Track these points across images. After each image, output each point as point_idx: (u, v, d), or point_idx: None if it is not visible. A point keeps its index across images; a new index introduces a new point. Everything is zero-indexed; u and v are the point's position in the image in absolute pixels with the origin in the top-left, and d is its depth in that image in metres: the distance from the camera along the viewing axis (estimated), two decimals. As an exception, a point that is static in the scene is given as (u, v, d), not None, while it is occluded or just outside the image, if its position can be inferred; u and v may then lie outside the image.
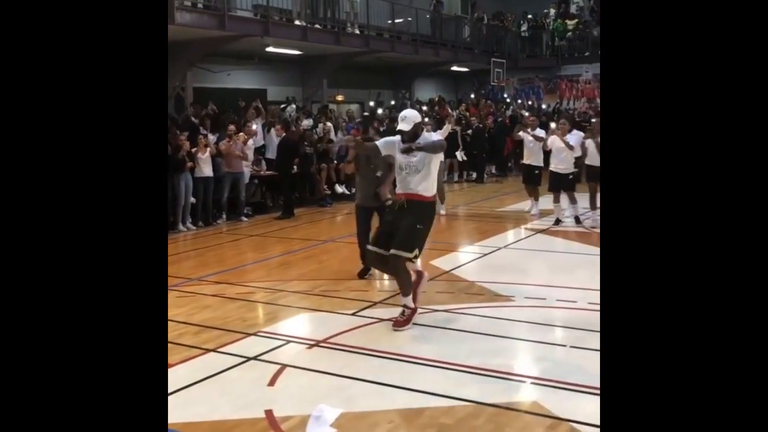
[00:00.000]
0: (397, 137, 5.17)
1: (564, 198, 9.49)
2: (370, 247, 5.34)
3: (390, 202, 5.89)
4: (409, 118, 5.19)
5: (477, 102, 20.02)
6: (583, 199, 9.54)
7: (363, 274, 6.74)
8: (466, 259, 7.90)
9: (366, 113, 15.26)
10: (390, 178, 6.25)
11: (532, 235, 9.11)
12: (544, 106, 21.24)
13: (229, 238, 9.57)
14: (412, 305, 5.15)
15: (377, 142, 5.37)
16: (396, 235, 5.06)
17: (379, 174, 6.39)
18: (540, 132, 10.17)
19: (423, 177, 5.07)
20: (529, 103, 21.50)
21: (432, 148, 5.06)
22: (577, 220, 9.36)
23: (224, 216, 10.74)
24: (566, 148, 9.03)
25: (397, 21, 18.11)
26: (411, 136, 5.10)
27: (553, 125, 10.15)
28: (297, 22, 13.68)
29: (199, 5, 12.14)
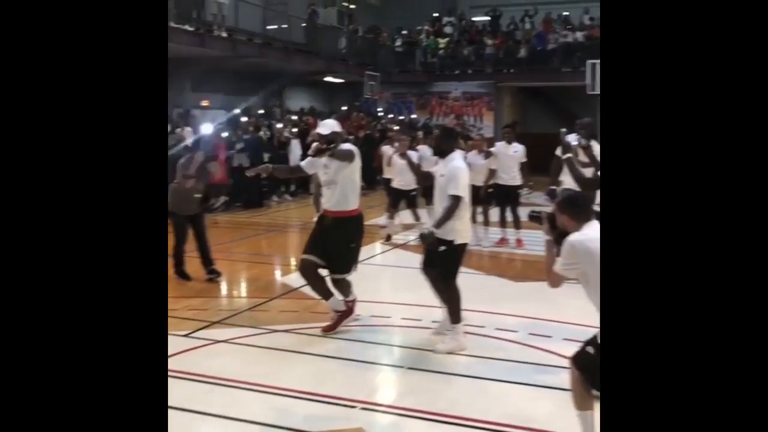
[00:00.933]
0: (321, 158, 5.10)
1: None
2: (306, 256, 5.17)
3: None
4: (328, 124, 5.19)
5: (348, 114, 20.04)
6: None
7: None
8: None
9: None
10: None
11: (389, 249, 9.10)
12: (414, 117, 21.64)
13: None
14: (341, 307, 5.25)
15: (301, 163, 5.45)
16: (331, 258, 5.10)
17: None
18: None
19: (342, 190, 5.01)
20: (401, 117, 21.82)
21: (340, 155, 4.96)
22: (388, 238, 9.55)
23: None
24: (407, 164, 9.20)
25: (269, 27, 17.78)
26: (327, 142, 5.01)
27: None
28: (157, 22, 13.05)
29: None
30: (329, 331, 5.18)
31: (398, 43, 23.47)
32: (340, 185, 4.98)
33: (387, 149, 10.31)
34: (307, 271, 5.16)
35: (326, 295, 5.21)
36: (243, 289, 7.29)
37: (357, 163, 5.05)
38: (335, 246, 5.07)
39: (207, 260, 6.95)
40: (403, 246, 9.29)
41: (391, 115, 21.84)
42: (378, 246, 9.26)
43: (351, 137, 15.89)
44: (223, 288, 7.00)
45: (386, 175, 10.49)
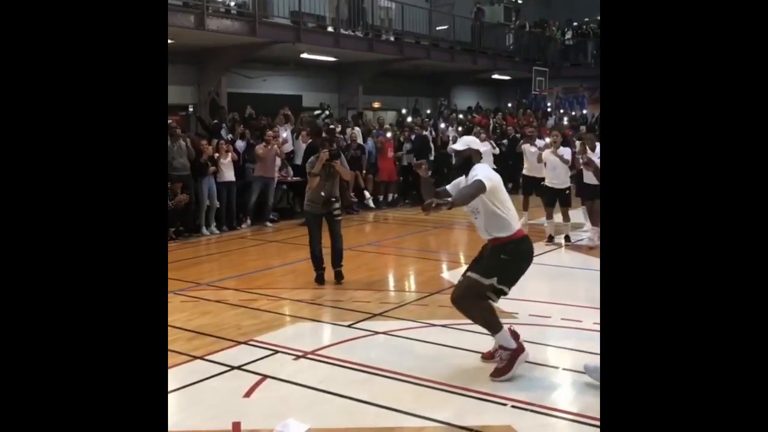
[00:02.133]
0: (461, 177, 4.54)
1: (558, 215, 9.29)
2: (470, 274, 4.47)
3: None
4: (464, 140, 4.67)
5: (516, 111, 19.74)
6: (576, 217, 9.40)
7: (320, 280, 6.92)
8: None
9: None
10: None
11: (552, 250, 8.89)
12: (584, 112, 20.82)
13: (250, 243, 9.64)
14: (512, 344, 4.31)
15: (448, 188, 4.59)
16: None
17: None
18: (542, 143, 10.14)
19: (486, 219, 4.36)
20: (573, 113, 21.09)
21: (460, 198, 4.26)
22: (567, 239, 9.15)
23: (249, 221, 10.83)
24: (561, 162, 8.88)
25: (439, 28, 18.04)
26: (463, 161, 4.52)
27: (547, 140, 9.83)
28: (330, 29, 13.74)
29: (233, 11, 12.31)
30: (500, 375, 4.26)
31: (568, 35, 22.71)
32: (483, 214, 4.37)
33: (528, 147, 10.21)
34: (470, 292, 4.41)
35: (493, 327, 4.38)
36: (406, 283, 7.50)
37: (494, 187, 4.31)
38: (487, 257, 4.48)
39: (335, 260, 6.97)
40: (569, 246, 9.04)
41: (562, 111, 21.20)
42: (542, 245, 9.10)
43: (516, 135, 15.70)
44: (388, 281, 7.26)
45: (529, 173, 10.31)
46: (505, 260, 4.36)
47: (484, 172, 4.36)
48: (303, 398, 4.00)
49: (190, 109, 13.19)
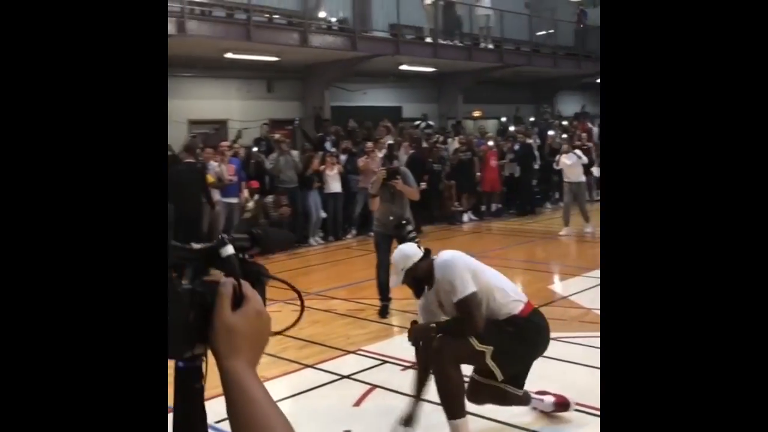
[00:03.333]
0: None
1: None
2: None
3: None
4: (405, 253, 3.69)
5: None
6: None
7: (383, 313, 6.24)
8: (586, 284, 7.51)
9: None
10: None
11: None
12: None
13: (355, 254, 9.80)
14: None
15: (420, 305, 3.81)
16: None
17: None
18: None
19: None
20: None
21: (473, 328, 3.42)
22: None
23: (354, 231, 11.02)
24: None
25: (539, 33, 17.74)
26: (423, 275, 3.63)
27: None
28: (428, 40, 13.81)
29: (334, 27, 12.63)
30: None
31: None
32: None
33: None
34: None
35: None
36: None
37: (480, 282, 3.48)
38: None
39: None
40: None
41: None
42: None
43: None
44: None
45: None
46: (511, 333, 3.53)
47: (459, 272, 3.40)
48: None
49: (296, 123, 13.61)
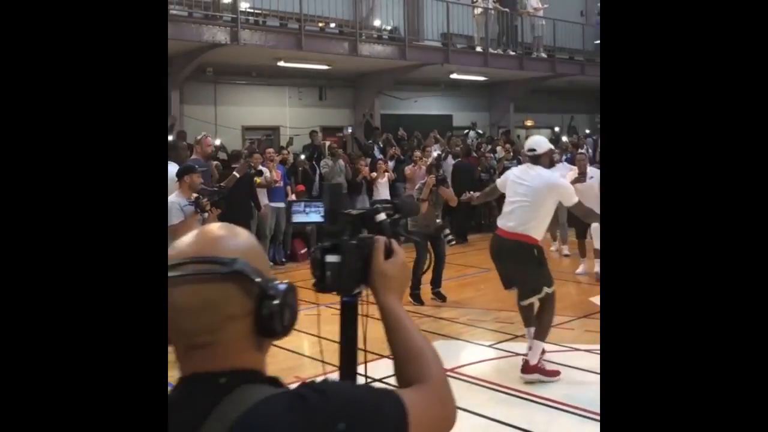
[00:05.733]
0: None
1: None
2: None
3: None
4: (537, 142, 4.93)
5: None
6: None
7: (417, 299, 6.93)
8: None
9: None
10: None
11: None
12: None
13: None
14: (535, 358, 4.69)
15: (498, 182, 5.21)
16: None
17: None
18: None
19: (533, 214, 4.63)
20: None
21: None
22: None
23: (402, 238, 11.10)
24: None
25: (596, 42, 17.51)
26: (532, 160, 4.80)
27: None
28: (478, 49, 13.81)
29: (384, 37, 12.77)
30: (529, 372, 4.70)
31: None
32: (536, 209, 4.73)
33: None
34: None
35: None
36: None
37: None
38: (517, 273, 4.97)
39: (435, 282, 7.15)
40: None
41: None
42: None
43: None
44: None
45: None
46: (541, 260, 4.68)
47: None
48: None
49: (348, 130, 13.80)
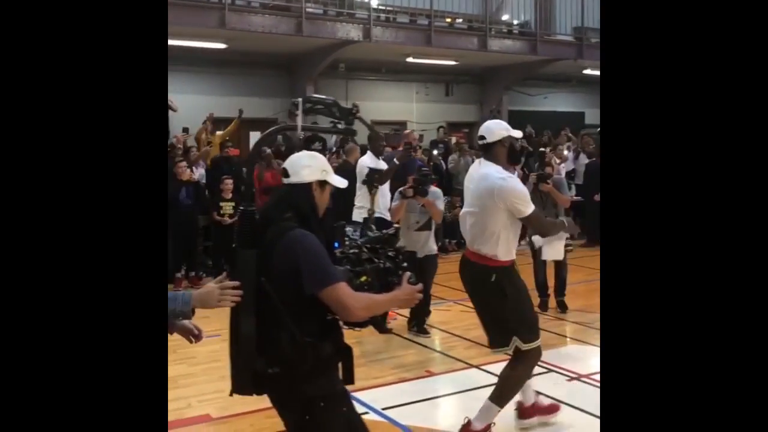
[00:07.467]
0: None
1: None
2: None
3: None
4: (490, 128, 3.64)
5: None
6: None
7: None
8: None
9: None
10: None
11: None
12: None
13: (527, 260, 9.66)
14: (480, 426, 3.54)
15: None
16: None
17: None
18: None
19: (488, 230, 3.51)
20: None
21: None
22: None
23: (526, 238, 10.88)
24: None
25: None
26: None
27: None
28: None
29: (515, 31, 12.53)
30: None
31: None
32: (495, 224, 3.57)
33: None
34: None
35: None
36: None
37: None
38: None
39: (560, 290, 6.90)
40: None
41: None
42: None
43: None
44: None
45: None
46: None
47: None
48: (571, 419, 3.98)
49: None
